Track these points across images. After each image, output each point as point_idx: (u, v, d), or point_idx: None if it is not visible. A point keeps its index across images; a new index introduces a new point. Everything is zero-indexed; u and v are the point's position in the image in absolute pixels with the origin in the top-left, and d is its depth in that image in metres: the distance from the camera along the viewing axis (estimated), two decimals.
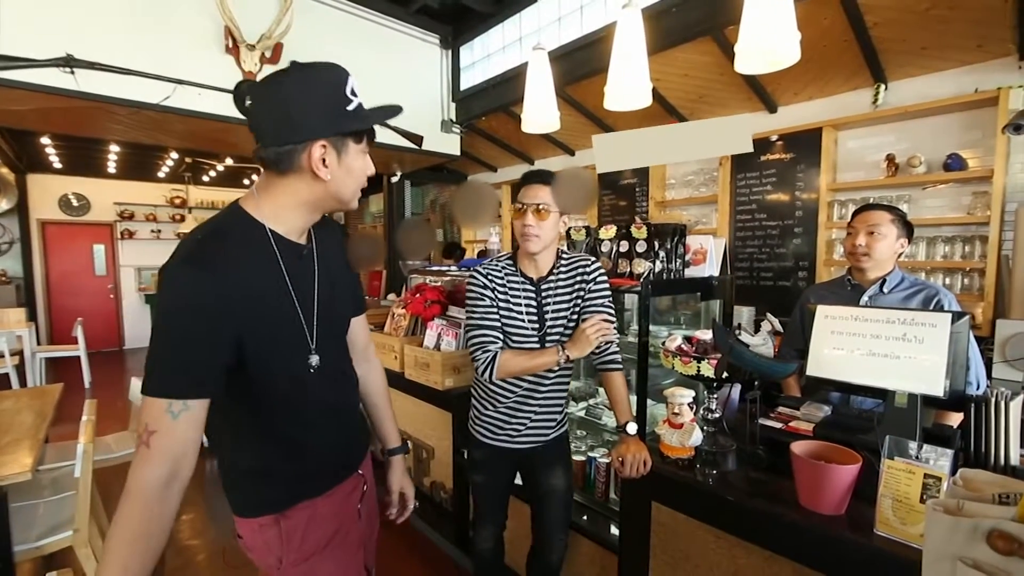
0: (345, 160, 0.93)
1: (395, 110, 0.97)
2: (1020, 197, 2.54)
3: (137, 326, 8.20)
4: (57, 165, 6.94)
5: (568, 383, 1.69)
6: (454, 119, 4.80)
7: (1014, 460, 1.18)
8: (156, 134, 4.03)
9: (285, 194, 0.93)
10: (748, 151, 2.25)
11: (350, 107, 0.92)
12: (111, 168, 7.19)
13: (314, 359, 1.02)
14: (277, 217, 0.95)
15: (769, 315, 1.38)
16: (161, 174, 7.65)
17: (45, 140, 5.69)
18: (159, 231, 8.26)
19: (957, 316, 1.22)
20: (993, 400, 1.16)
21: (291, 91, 0.88)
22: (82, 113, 3.35)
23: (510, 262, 1.60)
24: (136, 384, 2.87)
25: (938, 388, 1.18)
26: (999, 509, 0.69)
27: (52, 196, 7.46)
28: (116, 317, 8.12)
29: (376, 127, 0.99)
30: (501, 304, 1.54)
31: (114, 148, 6.08)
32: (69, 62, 2.91)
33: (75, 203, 7.65)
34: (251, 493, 1.02)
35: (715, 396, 1.46)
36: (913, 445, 1.07)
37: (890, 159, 2.93)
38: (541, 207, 1.47)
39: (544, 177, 1.52)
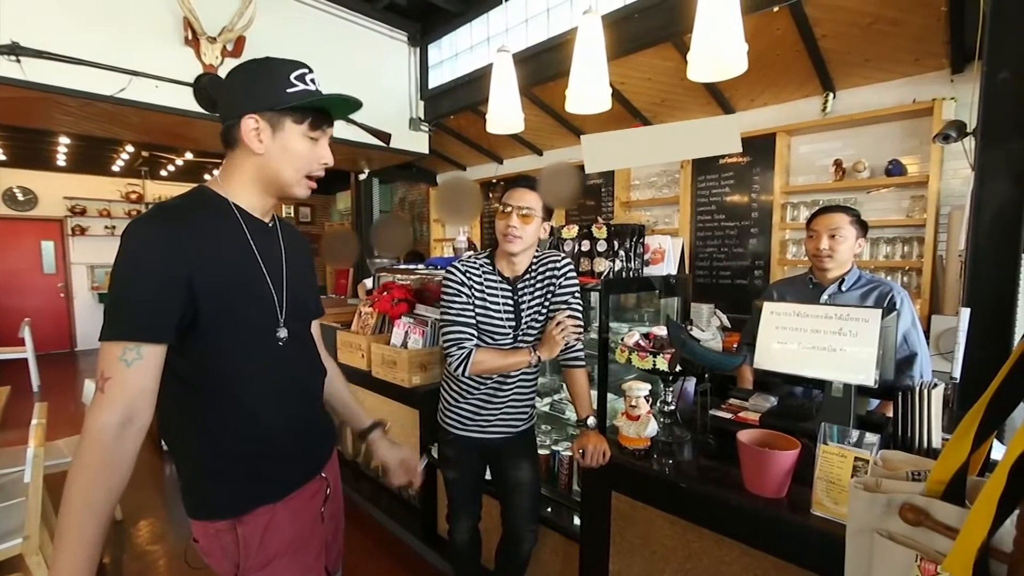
0: (281, 137, 0.97)
1: (351, 101, 1.01)
2: (953, 201, 2.73)
3: (90, 326, 7.83)
4: (1, 157, 6.57)
5: (537, 377, 1.74)
6: (422, 117, 4.79)
7: (936, 443, 1.28)
8: (110, 127, 3.88)
9: (236, 170, 1.01)
10: (736, 151, 2.32)
11: (291, 90, 0.96)
12: (61, 161, 6.84)
13: (282, 332, 1.04)
14: (237, 194, 1.01)
15: (718, 311, 1.46)
16: (116, 168, 7.33)
17: None
18: (114, 227, 7.90)
19: (887, 311, 1.32)
20: (917, 389, 1.27)
21: (238, 75, 0.99)
22: (29, 104, 3.20)
23: (487, 261, 1.62)
24: (89, 386, 2.77)
25: (869, 379, 1.28)
26: (910, 485, 0.76)
27: None
28: (67, 317, 7.75)
29: (343, 123, 1.03)
30: (477, 302, 1.57)
31: (64, 140, 5.80)
32: (14, 50, 2.78)
33: (20, 197, 7.25)
34: (208, 493, 1.00)
35: (670, 389, 1.54)
36: (847, 431, 1.16)
37: (838, 164, 3.09)
38: (526, 211, 1.52)
39: (532, 183, 1.58)
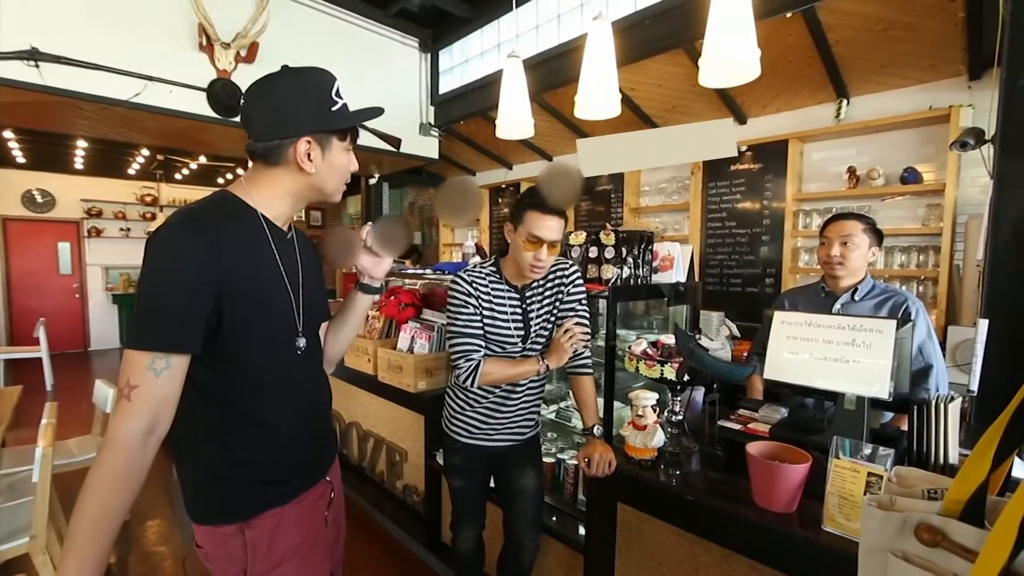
0: (329, 156, 1.00)
1: (377, 111, 1.05)
2: (970, 210, 2.67)
3: (103, 327, 7.96)
4: (20, 160, 6.71)
5: (544, 385, 1.72)
6: (432, 122, 4.81)
7: (953, 459, 1.24)
8: (126, 131, 3.95)
9: (273, 184, 1.01)
10: (732, 155, 2.31)
11: (335, 108, 0.99)
12: (78, 164, 6.98)
13: (301, 341, 1.05)
14: (265, 204, 1.01)
15: (727, 320, 1.43)
16: (131, 171, 7.45)
17: (8, 134, 5.50)
18: (128, 230, 8.04)
19: (901, 322, 1.29)
20: (933, 403, 1.23)
21: (281, 91, 0.97)
22: (47, 108, 3.27)
23: (494, 269, 1.59)
24: (101, 387, 2.80)
25: (884, 391, 1.24)
26: (926, 504, 0.73)
27: (15, 191, 7.20)
28: (81, 318, 7.87)
29: (356, 128, 1.05)
30: (485, 312, 1.55)
31: (81, 143, 5.91)
32: (34, 55, 2.84)
33: (39, 199, 7.39)
34: (215, 498, 1.00)
35: (678, 399, 1.51)
36: (860, 445, 1.13)
37: (851, 171, 3.05)
38: (556, 241, 1.46)
39: (560, 211, 1.47)
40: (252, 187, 1.01)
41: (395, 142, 4.21)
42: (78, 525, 0.82)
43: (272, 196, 1.01)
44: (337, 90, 1.00)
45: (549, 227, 1.44)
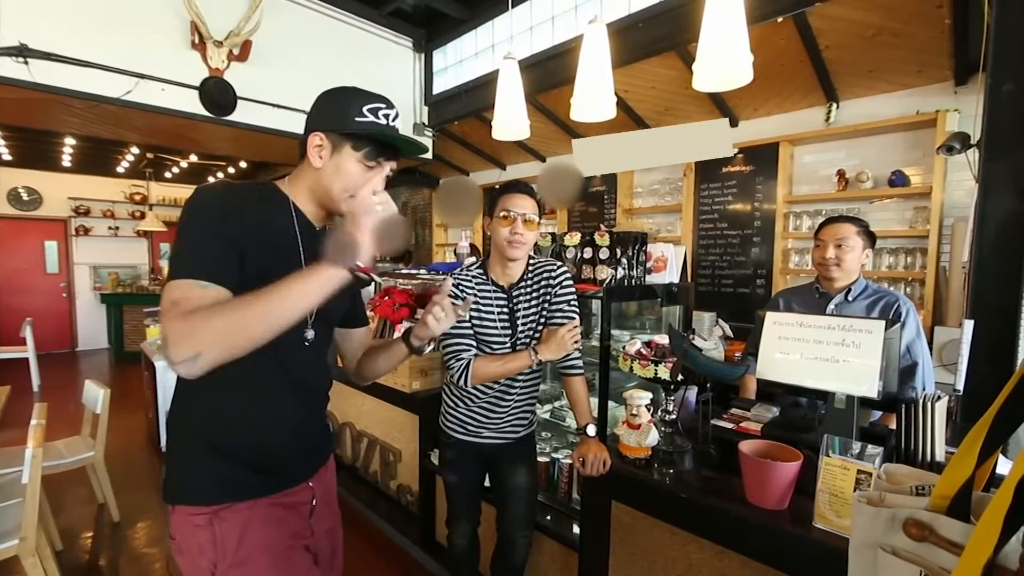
0: (336, 158, 1.03)
1: (417, 145, 1.10)
2: (956, 212, 2.72)
3: (91, 327, 7.86)
4: (6, 157, 6.61)
5: (539, 384, 1.74)
6: (426, 122, 4.81)
7: (940, 457, 1.27)
8: (116, 129, 3.91)
9: (299, 177, 1.08)
10: (728, 155, 2.33)
11: (359, 119, 1.02)
12: (66, 161, 6.89)
13: (309, 333, 1.08)
14: (296, 196, 1.08)
15: (720, 321, 1.45)
16: (120, 169, 7.37)
17: None
18: (117, 228, 7.95)
19: (892, 322, 1.31)
20: (921, 402, 1.26)
21: (324, 96, 1.06)
22: (36, 105, 3.23)
23: (480, 271, 1.62)
24: (90, 387, 2.77)
25: (872, 390, 1.27)
26: (915, 500, 0.75)
27: (0, 189, 7.09)
28: (69, 317, 7.77)
29: (377, 150, 1.06)
30: (472, 313, 1.58)
31: (69, 141, 5.84)
32: (22, 51, 2.81)
33: (25, 197, 7.29)
34: (192, 477, 1.01)
35: (672, 398, 1.53)
36: (849, 443, 1.15)
37: (841, 174, 3.09)
38: (530, 217, 1.53)
39: (529, 188, 1.58)
40: (291, 179, 1.10)
41: None
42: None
43: (300, 190, 1.08)
44: (375, 109, 1.03)
45: (520, 203, 1.53)
